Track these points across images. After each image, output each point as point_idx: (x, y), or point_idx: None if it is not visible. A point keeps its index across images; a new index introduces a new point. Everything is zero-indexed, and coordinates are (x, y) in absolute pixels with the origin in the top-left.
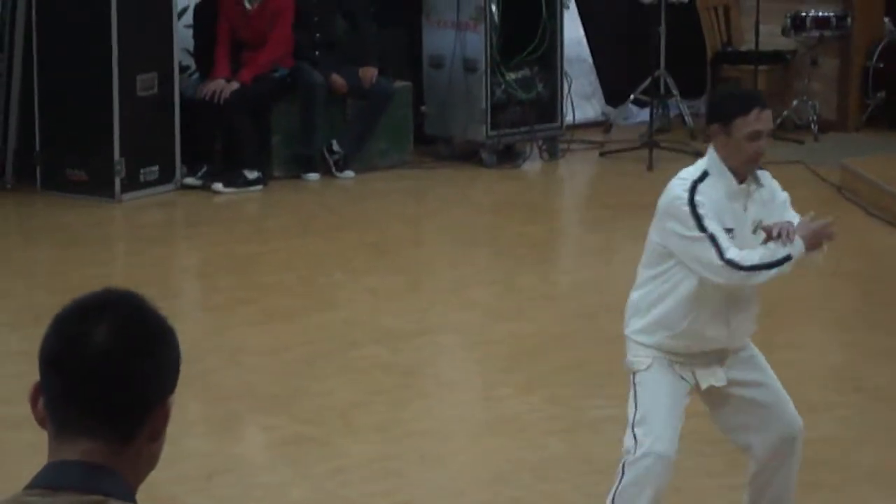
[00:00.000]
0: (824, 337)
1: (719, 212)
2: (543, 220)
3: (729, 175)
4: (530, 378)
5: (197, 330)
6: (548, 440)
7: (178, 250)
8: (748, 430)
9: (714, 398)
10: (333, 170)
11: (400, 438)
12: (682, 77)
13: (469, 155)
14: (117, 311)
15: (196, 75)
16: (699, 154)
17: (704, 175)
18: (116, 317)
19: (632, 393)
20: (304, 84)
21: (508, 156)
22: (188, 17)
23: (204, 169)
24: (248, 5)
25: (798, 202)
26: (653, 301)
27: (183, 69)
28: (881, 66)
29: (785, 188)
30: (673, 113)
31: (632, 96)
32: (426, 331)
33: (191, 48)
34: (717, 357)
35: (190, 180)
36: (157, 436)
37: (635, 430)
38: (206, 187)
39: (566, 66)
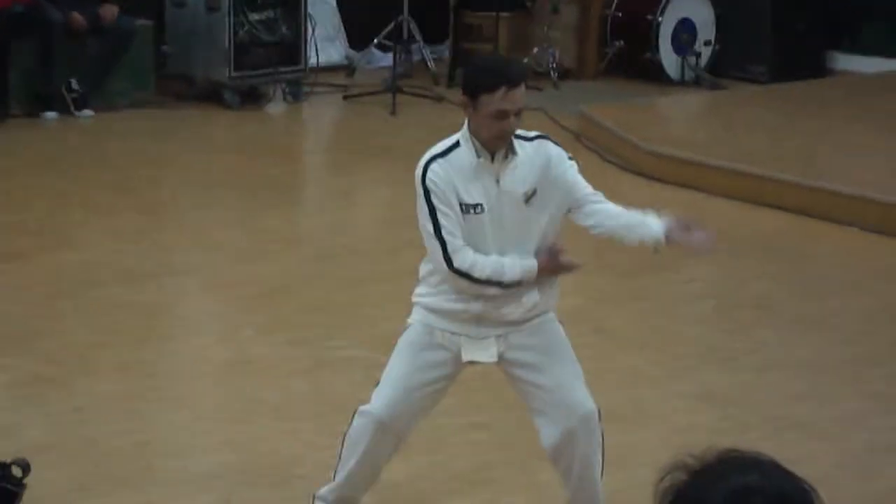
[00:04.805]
0: (561, 280)
1: (465, 186)
2: (287, 163)
3: (474, 148)
4: (273, 319)
5: None
6: (290, 381)
7: None
8: (533, 412)
9: (506, 374)
10: (72, 108)
11: (140, 378)
12: (426, 23)
13: (212, 95)
14: None
15: None
16: (441, 99)
17: (454, 146)
18: None
19: None
20: (42, 21)
21: (252, 97)
22: None
23: None
24: None
25: None
26: (428, 267)
27: None
28: (620, 15)
29: None
30: (416, 58)
31: (375, 40)
32: (168, 271)
33: None
34: (493, 330)
35: None
36: None
37: (378, 384)
38: None
39: (310, 9)
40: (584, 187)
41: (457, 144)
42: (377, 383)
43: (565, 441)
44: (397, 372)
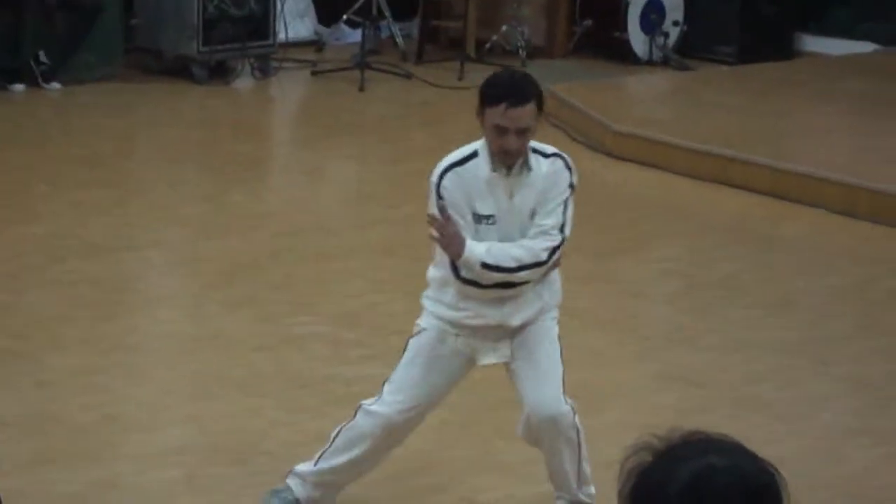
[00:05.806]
0: None
1: (477, 197)
2: (254, 139)
3: (490, 161)
4: (238, 295)
5: None
6: (253, 356)
7: None
8: (521, 401)
9: (508, 370)
10: (40, 81)
11: (106, 353)
12: None
13: (180, 70)
14: None
15: None
16: (410, 76)
17: (472, 156)
18: None
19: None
20: None
21: (220, 72)
22: None
23: None
24: None
25: None
26: (438, 272)
27: None
28: None
29: None
30: (384, 35)
31: (345, 16)
32: (134, 246)
33: None
34: (503, 332)
35: None
36: None
37: (385, 383)
38: None
39: None
40: (549, 217)
41: (474, 154)
42: (383, 383)
43: (532, 435)
44: (412, 378)
